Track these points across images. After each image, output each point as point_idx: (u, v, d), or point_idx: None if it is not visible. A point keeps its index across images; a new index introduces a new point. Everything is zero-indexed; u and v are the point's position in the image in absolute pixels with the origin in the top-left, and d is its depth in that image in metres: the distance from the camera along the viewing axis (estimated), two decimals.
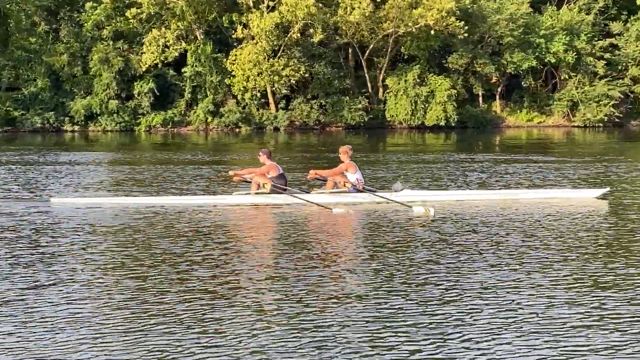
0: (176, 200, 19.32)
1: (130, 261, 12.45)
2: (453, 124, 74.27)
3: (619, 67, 77.90)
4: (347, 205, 18.73)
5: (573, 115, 77.82)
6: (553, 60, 75.58)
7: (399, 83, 74.44)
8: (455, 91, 74.56)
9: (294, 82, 72.41)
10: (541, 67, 77.05)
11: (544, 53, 75.36)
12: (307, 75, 73.46)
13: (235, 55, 71.79)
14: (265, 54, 71.56)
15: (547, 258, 12.68)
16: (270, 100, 74.46)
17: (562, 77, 78.16)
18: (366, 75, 76.72)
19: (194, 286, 10.69)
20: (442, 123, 73.87)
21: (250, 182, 19.79)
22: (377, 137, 63.33)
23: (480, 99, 78.73)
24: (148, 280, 11.07)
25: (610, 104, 75.80)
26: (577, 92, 76.83)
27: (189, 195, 20.74)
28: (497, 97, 79.29)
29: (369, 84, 77.00)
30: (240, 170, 20.30)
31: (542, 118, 78.62)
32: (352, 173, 19.65)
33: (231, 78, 72.26)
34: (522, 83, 77.43)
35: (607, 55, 76.64)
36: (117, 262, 12.40)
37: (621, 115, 77.18)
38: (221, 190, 21.89)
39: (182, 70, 73.38)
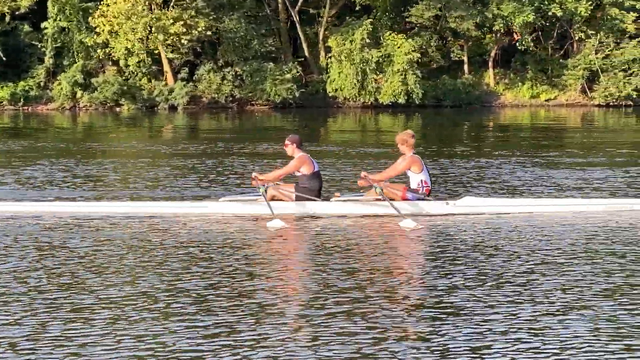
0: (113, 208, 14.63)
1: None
2: (418, 102, 53.59)
3: None
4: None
5: (591, 89, 56.28)
6: (560, 14, 54.26)
7: (343, 44, 53.62)
8: (419, 55, 53.62)
9: (186, 42, 52.05)
10: (542, 23, 55.53)
11: (546, 3, 53.94)
12: (209, 32, 53.21)
13: (107, 4, 51.73)
14: (147, 3, 51.61)
15: None
16: (166, 68, 54.46)
17: (576, 37, 56.49)
18: (300, 33, 56.09)
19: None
20: (402, 100, 53.18)
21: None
22: (310, 119, 48.36)
23: (466, 67, 57.57)
24: None
25: None
26: (597, 58, 55.24)
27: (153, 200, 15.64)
28: (491, 64, 57.96)
29: (304, 46, 56.43)
30: (267, 175, 14.70)
31: (554, 93, 57.48)
32: (416, 172, 14.45)
33: (95, 37, 52.38)
34: (518, 46, 55.93)
35: None
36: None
37: None
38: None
39: (42, 25, 54.22)
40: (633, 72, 54.88)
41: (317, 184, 14.60)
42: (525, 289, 9.34)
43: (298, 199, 14.45)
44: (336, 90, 54.61)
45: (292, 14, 55.52)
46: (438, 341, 7.59)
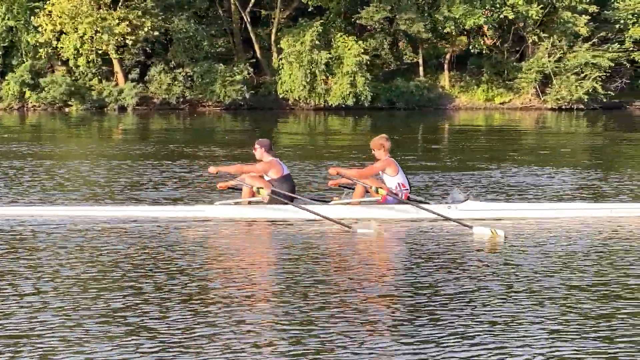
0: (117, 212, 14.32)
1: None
2: (367, 104, 53.36)
3: (616, 26, 56.33)
4: (380, 222, 13.52)
5: (544, 93, 55.99)
6: (511, 16, 53.72)
7: (294, 45, 53.24)
8: (368, 58, 53.27)
9: (131, 43, 51.65)
10: (495, 25, 55.19)
11: (497, 5, 53.61)
12: (157, 33, 52.71)
13: (53, 3, 51.41)
14: (93, 2, 51.25)
15: None
16: (117, 68, 54.07)
17: (530, 40, 56.13)
18: (251, 34, 55.73)
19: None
20: (350, 102, 52.89)
21: (239, 189, 14.47)
22: (261, 120, 47.61)
23: (421, 69, 57.14)
24: None
25: (593, 77, 53.84)
26: (550, 61, 54.85)
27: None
28: (446, 67, 57.63)
29: (256, 47, 56.07)
30: (227, 166, 14.97)
31: (509, 96, 57.05)
32: (391, 175, 14.11)
33: (37, 36, 52.04)
34: (471, 48, 55.59)
35: (592, 9, 54.50)
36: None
37: (611, 93, 55.13)
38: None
39: None
40: (586, 75, 54.43)
41: (289, 187, 14.35)
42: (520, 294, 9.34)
43: (273, 198, 14.15)
44: (286, 92, 54.23)
45: (243, 15, 55.10)
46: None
